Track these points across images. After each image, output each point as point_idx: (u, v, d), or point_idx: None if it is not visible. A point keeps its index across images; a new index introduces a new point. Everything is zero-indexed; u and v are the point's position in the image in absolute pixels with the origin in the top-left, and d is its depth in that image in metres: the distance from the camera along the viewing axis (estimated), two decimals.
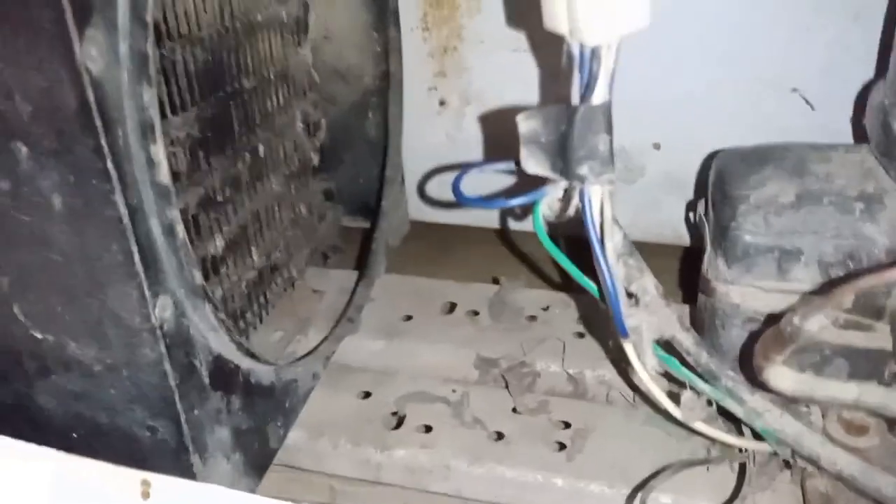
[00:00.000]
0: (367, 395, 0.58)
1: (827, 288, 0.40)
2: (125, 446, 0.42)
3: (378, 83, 0.73)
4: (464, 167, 0.39)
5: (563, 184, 0.35)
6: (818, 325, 0.32)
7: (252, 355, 0.46)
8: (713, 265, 0.47)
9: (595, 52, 0.31)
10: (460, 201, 0.37)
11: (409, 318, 0.66)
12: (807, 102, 0.68)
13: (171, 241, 0.38)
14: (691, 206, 0.56)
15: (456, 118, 0.76)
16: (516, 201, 0.36)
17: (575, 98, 0.33)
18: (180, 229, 0.38)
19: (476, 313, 0.66)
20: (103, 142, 0.33)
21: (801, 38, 0.65)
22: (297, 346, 0.63)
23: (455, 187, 0.38)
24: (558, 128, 0.34)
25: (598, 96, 0.32)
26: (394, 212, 0.73)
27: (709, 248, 0.48)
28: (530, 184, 0.37)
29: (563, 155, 0.34)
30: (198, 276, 0.39)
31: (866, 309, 0.44)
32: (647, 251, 0.80)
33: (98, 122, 0.33)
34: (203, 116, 0.51)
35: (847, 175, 0.45)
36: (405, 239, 0.79)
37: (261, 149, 0.61)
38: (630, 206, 0.75)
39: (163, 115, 0.47)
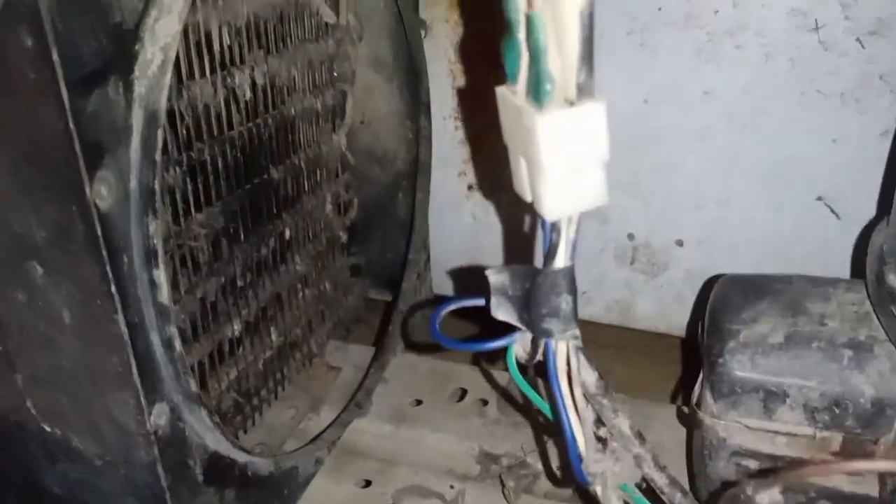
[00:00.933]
0: (368, 483, 0.59)
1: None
2: None
3: (409, 167, 0.75)
4: (439, 306, 0.40)
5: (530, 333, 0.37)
6: (769, 500, 0.33)
7: (248, 451, 0.49)
8: (703, 396, 0.47)
9: (555, 226, 0.33)
10: (437, 340, 0.39)
11: (419, 402, 0.67)
12: (832, 211, 0.67)
13: (169, 354, 0.41)
14: (693, 325, 0.56)
15: (483, 203, 0.78)
16: (491, 346, 0.37)
17: (539, 261, 0.35)
18: (178, 343, 0.41)
19: (485, 402, 0.67)
20: (108, 268, 0.36)
21: (828, 149, 0.65)
22: (309, 423, 0.66)
23: (433, 326, 0.39)
24: (524, 285, 0.36)
25: (560, 262, 0.34)
26: (413, 294, 0.75)
27: (700, 376, 0.48)
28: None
29: (528, 310, 0.36)
30: (193, 385, 0.42)
31: (855, 454, 0.44)
32: (672, 345, 0.81)
33: (104, 252, 0.36)
34: (228, 209, 0.54)
35: (842, 318, 0.45)
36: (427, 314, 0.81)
37: (287, 232, 0.64)
38: (654, 299, 0.76)
39: (186, 213, 0.50)
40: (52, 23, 0.32)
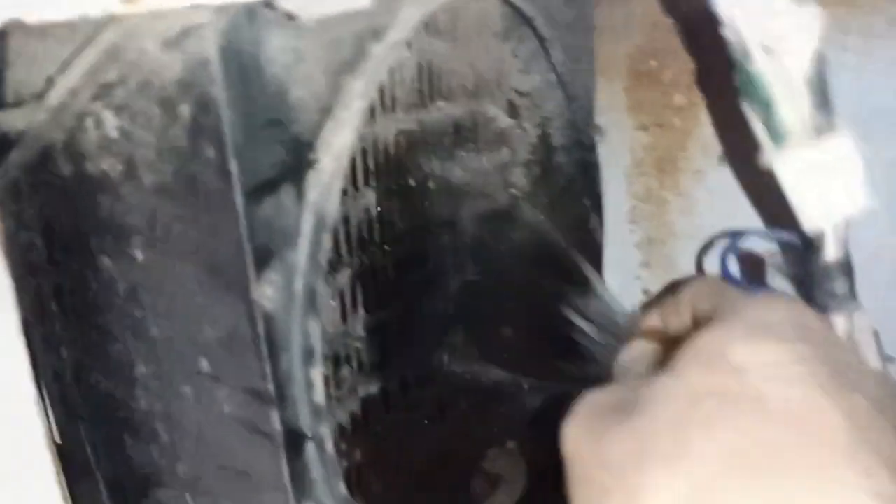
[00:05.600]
0: None
1: None
2: None
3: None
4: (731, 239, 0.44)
5: None
6: None
7: None
8: None
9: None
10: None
11: None
12: None
13: (321, 455, 0.40)
14: None
15: None
16: None
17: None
18: (329, 445, 0.40)
19: None
20: (267, 368, 0.37)
21: None
22: None
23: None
24: (800, 266, 0.45)
25: (829, 255, 0.41)
26: None
27: None
28: None
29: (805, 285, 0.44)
30: (342, 487, 0.41)
31: None
32: None
33: (265, 351, 0.37)
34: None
35: None
36: None
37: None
38: None
39: (353, 312, 0.51)
40: (233, 135, 0.35)
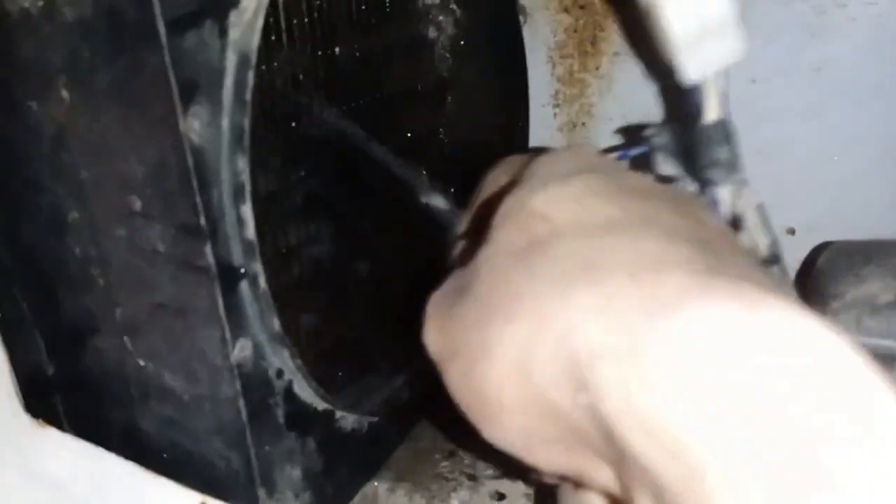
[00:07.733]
0: (452, 454, 0.59)
1: None
2: (205, 473, 0.46)
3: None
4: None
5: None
6: None
7: (331, 401, 0.49)
8: None
9: (698, 85, 0.36)
10: None
11: None
12: None
13: (253, 290, 0.42)
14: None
15: None
16: None
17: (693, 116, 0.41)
18: (262, 280, 0.42)
19: None
20: (198, 200, 0.38)
21: None
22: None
23: None
24: (684, 140, 0.42)
25: (710, 116, 0.40)
26: None
27: None
28: None
29: (691, 162, 0.43)
30: (276, 324, 0.43)
31: None
32: None
33: (195, 184, 0.38)
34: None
35: None
36: None
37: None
38: None
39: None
40: None
